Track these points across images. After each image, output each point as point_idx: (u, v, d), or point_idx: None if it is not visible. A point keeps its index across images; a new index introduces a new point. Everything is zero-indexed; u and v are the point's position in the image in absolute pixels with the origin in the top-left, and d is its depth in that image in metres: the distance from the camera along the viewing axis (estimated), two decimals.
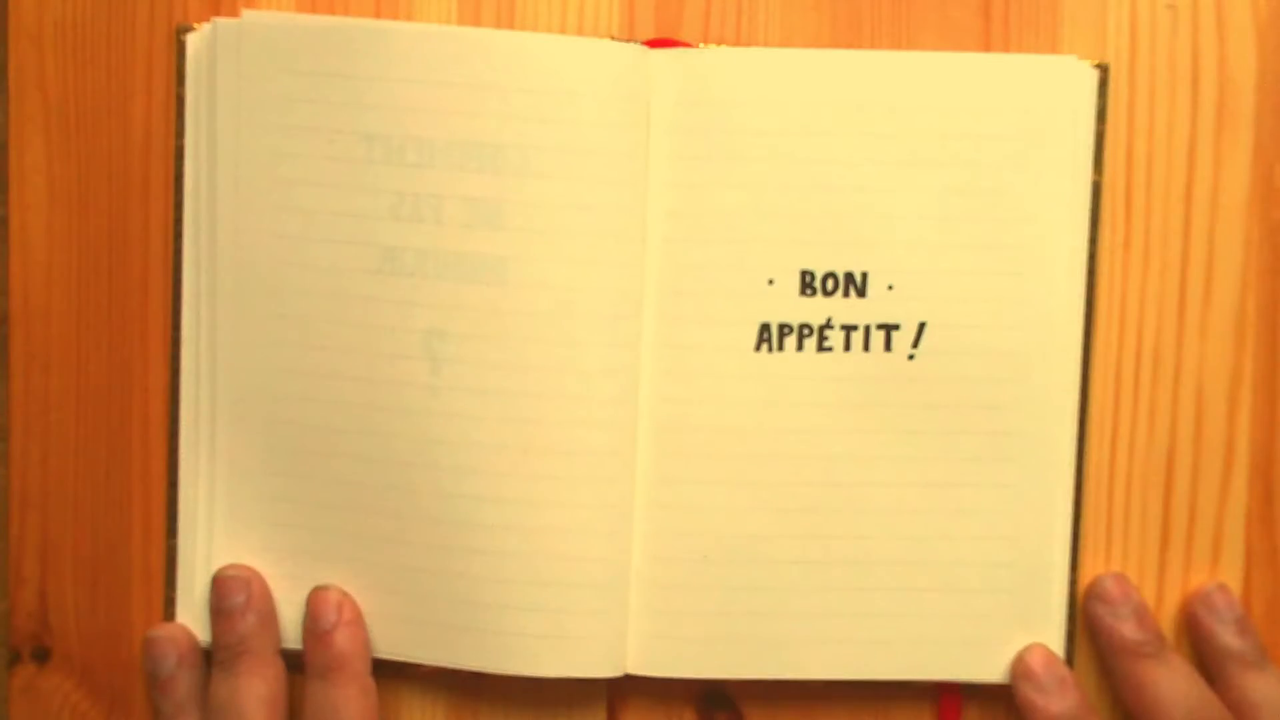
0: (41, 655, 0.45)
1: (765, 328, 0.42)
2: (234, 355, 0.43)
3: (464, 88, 0.41)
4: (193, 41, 0.43)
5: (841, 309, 0.42)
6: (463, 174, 0.41)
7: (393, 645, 0.43)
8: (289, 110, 0.42)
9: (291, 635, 0.43)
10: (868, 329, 0.42)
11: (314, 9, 0.44)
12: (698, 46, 0.43)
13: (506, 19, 0.44)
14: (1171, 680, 0.41)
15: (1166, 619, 0.44)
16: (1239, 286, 0.44)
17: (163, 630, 0.43)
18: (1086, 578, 0.44)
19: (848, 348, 0.42)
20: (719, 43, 0.44)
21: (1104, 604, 0.42)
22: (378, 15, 0.44)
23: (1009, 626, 0.43)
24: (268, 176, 0.42)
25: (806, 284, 0.42)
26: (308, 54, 0.42)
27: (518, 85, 0.41)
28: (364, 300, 0.42)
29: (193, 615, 0.44)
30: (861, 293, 0.42)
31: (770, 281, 0.42)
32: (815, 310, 0.42)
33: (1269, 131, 0.44)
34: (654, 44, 0.43)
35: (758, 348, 0.42)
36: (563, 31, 0.44)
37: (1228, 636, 0.42)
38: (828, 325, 0.42)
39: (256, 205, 0.42)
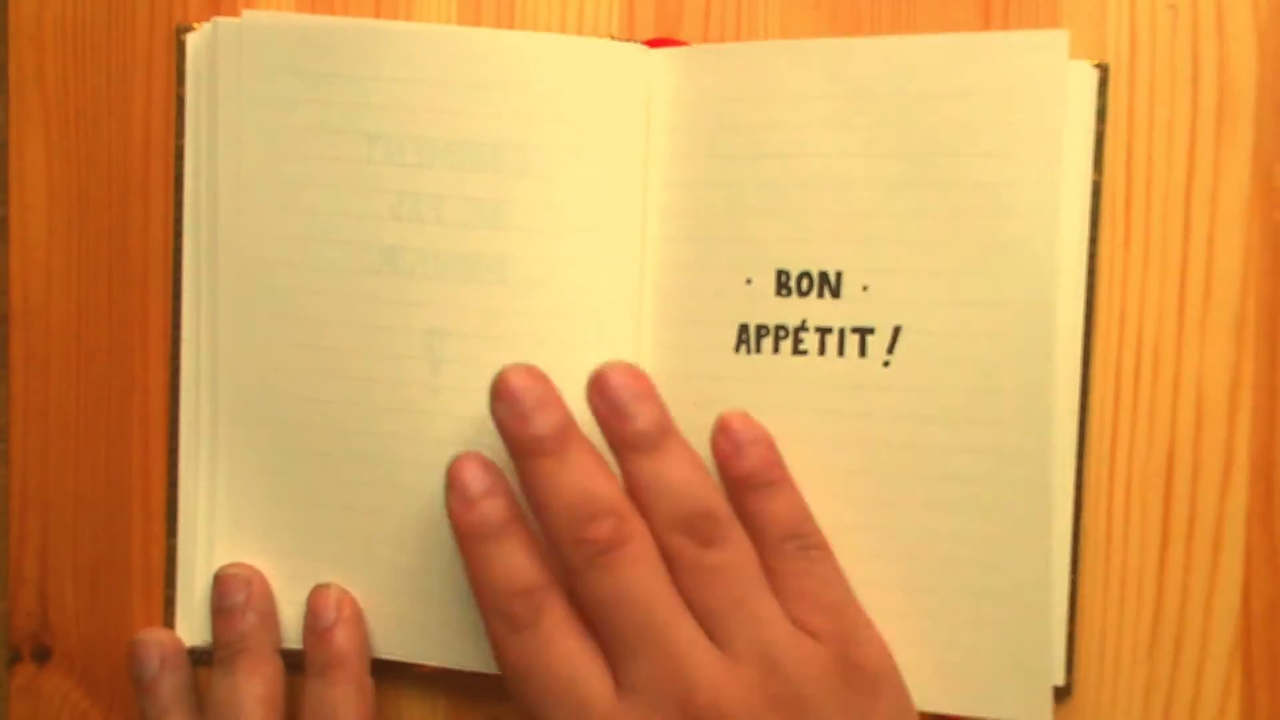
0: (41, 655, 0.45)
1: (744, 328, 0.42)
2: (234, 355, 0.43)
3: (464, 87, 0.41)
4: (193, 41, 0.43)
5: (816, 310, 0.41)
6: (463, 174, 0.41)
7: (393, 646, 0.43)
8: (289, 110, 0.42)
9: (292, 635, 0.43)
10: (842, 332, 0.41)
11: (314, 9, 0.44)
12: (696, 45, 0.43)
13: (506, 19, 0.44)
14: (565, 474, 0.38)
15: (1167, 619, 0.44)
16: (1239, 286, 0.44)
17: (147, 634, 0.43)
18: (1087, 579, 0.44)
19: (822, 351, 0.41)
20: (719, 41, 0.44)
21: (502, 402, 0.39)
22: (377, 15, 0.44)
23: (1003, 629, 0.41)
24: (268, 177, 0.42)
25: (782, 284, 0.41)
26: (308, 54, 0.41)
27: (518, 85, 0.41)
28: (364, 300, 0.42)
29: (192, 615, 0.44)
30: (836, 293, 0.41)
31: (749, 281, 0.42)
32: (790, 311, 0.41)
33: (1269, 131, 0.44)
34: (654, 44, 0.43)
35: (737, 349, 0.42)
36: (562, 31, 0.44)
37: (618, 421, 0.39)
38: (802, 327, 0.41)
39: (257, 206, 0.42)
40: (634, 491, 0.39)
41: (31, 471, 0.45)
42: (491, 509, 0.39)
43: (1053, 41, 0.41)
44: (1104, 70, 0.43)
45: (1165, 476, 0.44)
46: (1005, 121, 0.40)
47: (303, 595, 0.43)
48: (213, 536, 0.43)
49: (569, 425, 0.39)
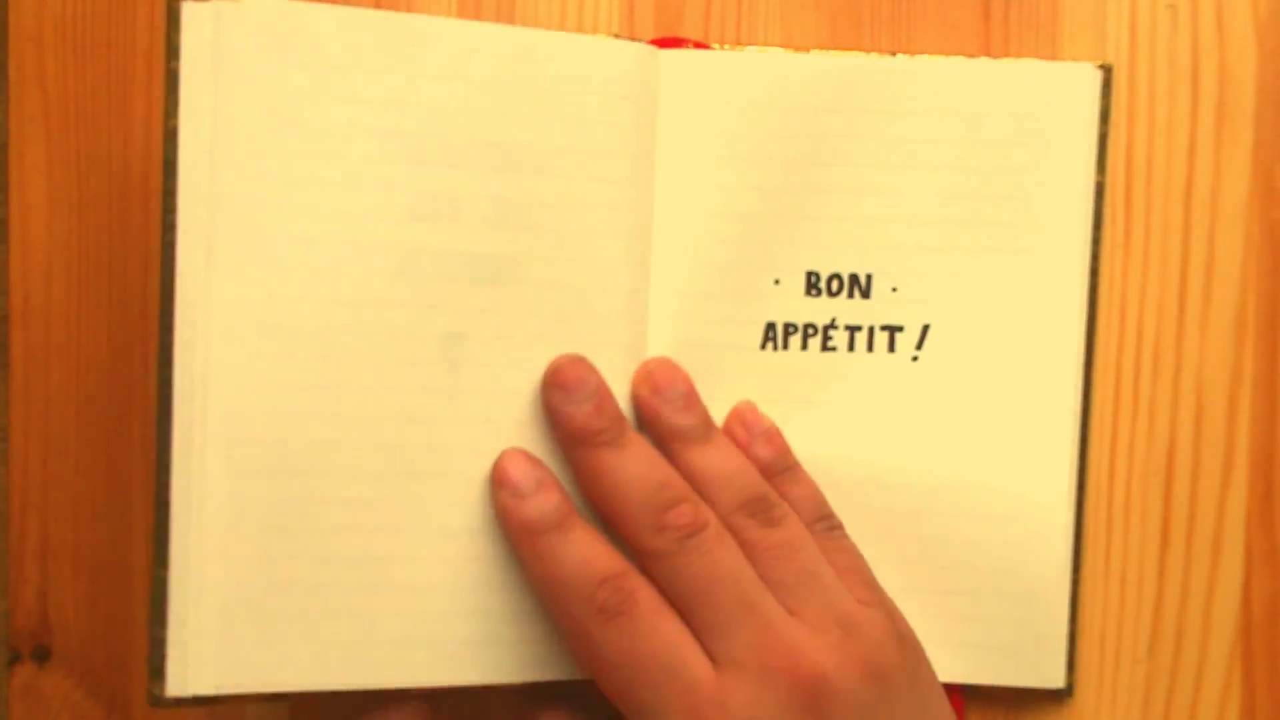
0: (41, 655, 0.45)
1: (771, 326, 0.43)
2: (233, 367, 0.39)
3: (484, 84, 0.40)
4: (190, 12, 0.38)
5: (846, 309, 0.43)
6: (483, 172, 0.40)
7: (414, 673, 0.41)
8: (298, 104, 0.39)
9: (296, 674, 0.40)
10: (871, 330, 0.43)
11: None
12: (710, 47, 0.43)
13: (506, 16, 0.44)
14: (629, 464, 0.39)
15: (1167, 618, 0.44)
16: (1239, 286, 0.44)
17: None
18: (1087, 579, 0.44)
19: (851, 348, 0.43)
20: (719, 41, 0.44)
21: (562, 391, 0.40)
22: None
23: (1011, 629, 0.43)
24: (274, 176, 0.39)
25: (812, 284, 0.43)
26: (320, 44, 0.39)
27: (536, 83, 0.40)
28: (377, 305, 0.40)
29: (187, 659, 0.39)
30: (866, 294, 0.43)
31: (776, 281, 0.43)
32: (820, 310, 0.43)
33: (1269, 131, 0.44)
34: (660, 43, 0.43)
35: (763, 346, 0.43)
36: (563, 29, 0.44)
37: (672, 415, 0.41)
38: (832, 325, 0.43)
39: (261, 207, 0.40)
40: (690, 481, 0.40)
41: (31, 471, 0.45)
42: (549, 501, 0.39)
43: (1086, 73, 0.43)
44: (1107, 71, 0.43)
45: (1165, 476, 0.44)
46: (1035, 142, 0.42)
47: (311, 629, 0.40)
48: (210, 566, 0.39)
49: (623, 416, 0.40)
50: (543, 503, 0.39)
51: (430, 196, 0.40)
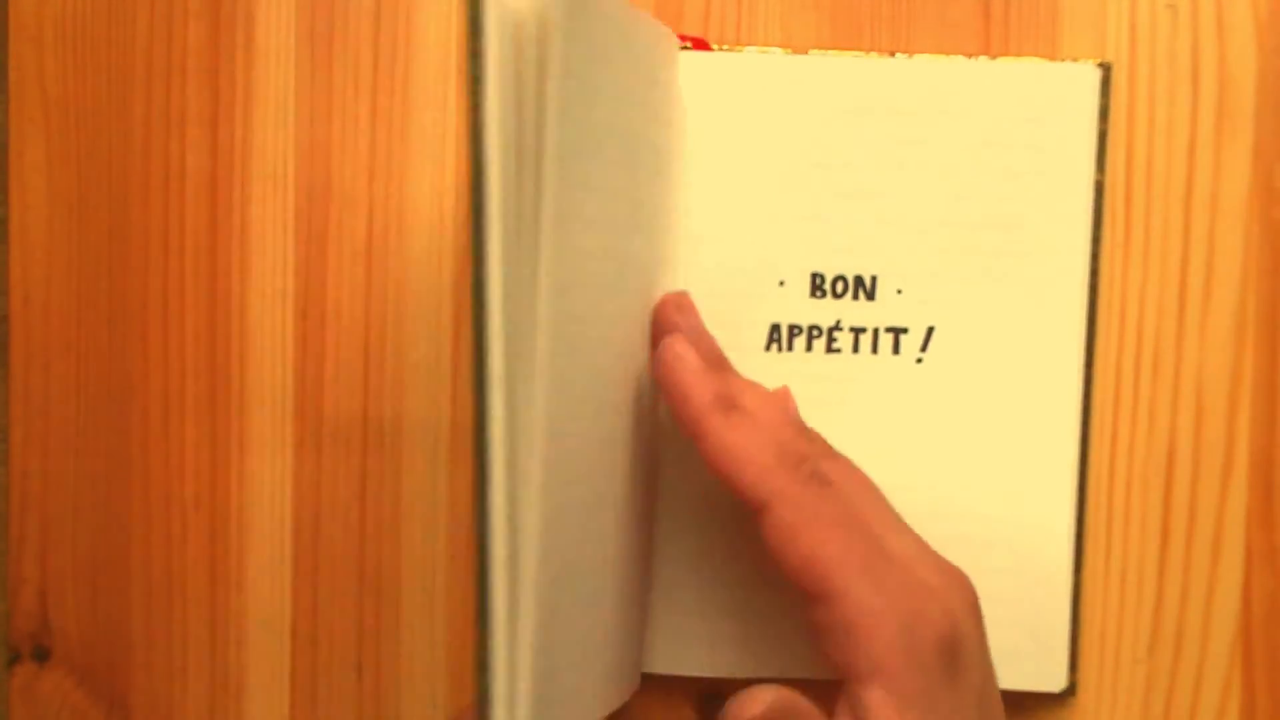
0: (41, 655, 0.45)
1: (775, 328, 0.43)
2: (544, 403, 0.33)
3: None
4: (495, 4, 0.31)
5: (850, 311, 0.43)
6: (629, 171, 0.38)
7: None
8: (586, 108, 0.34)
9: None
10: (876, 331, 0.43)
11: (314, 9, 0.43)
12: (709, 46, 0.43)
13: None
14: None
15: (1167, 618, 0.44)
16: (1239, 286, 0.44)
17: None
18: (1088, 579, 0.44)
19: (856, 349, 0.43)
20: (719, 41, 0.44)
21: (680, 313, 0.40)
22: (377, 18, 0.43)
23: (1012, 630, 0.43)
24: (574, 185, 0.34)
25: (817, 285, 0.43)
26: (613, 44, 0.35)
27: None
28: (616, 319, 0.37)
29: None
30: (871, 296, 0.43)
31: (781, 283, 0.43)
32: (825, 312, 0.43)
33: (1269, 131, 0.44)
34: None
35: (768, 347, 0.43)
36: None
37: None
38: (836, 327, 0.43)
39: (563, 221, 0.33)
40: None
41: (31, 471, 0.45)
42: (733, 376, 0.39)
43: (1086, 73, 0.42)
44: (1107, 70, 0.43)
45: (1165, 476, 0.44)
46: (1035, 142, 0.42)
47: (590, 664, 0.38)
48: (526, 618, 0.33)
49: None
50: (729, 377, 0.38)
51: (616, 200, 0.37)
